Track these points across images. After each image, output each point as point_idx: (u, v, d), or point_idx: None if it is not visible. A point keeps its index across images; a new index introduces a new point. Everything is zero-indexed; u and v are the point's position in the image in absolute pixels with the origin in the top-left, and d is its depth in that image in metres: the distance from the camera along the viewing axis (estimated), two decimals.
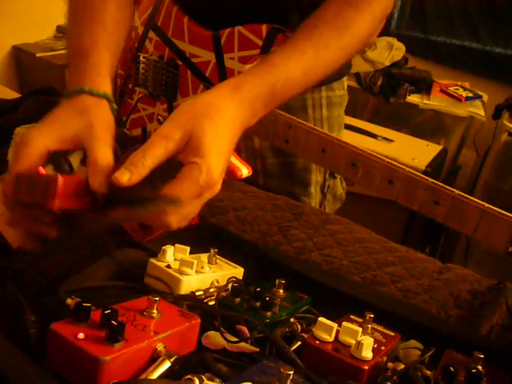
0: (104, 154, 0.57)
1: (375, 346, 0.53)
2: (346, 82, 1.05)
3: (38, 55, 2.41)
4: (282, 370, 0.44)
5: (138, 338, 0.47)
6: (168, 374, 0.48)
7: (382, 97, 2.57)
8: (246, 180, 0.93)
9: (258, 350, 0.54)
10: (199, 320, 0.54)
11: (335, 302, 0.64)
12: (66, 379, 0.46)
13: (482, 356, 0.52)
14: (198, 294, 0.61)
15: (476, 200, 0.62)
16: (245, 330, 0.56)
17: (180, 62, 0.94)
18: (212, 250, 0.68)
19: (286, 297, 0.62)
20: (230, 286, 0.62)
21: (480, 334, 0.65)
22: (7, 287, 0.59)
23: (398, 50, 2.63)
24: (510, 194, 2.29)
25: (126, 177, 0.52)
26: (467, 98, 2.49)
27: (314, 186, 1.04)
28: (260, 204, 0.89)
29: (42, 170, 0.57)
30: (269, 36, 0.81)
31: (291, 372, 0.44)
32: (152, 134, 0.56)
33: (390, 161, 0.67)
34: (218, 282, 0.65)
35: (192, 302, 0.58)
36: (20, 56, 2.51)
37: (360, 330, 0.53)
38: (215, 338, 0.55)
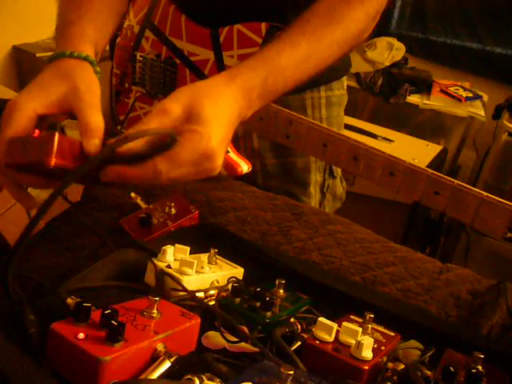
0: (94, 116, 0.58)
1: (375, 346, 0.53)
2: (345, 81, 1.05)
3: (37, 55, 2.41)
4: (282, 370, 0.44)
5: (138, 338, 0.47)
6: (168, 374, 0.48)
7: (382, 97, 2.57)
8: (246, 180, 0.94)
9: (258, 350, 0.54)
10: (199, 320, 0.54)
11: (335, 302, 0.64)
12: (66, 379, 0.46)
13: (482, 356, 0.52)
14: (198, 294, 0.61)
15: (475, 189, 0.64)
16: (245, 329, 0.56)
17: (178, 61, 0.94)
18: (212, 250, 0.68)
19: (286, 297, 0.62)
20: (230, 286, 0.61)
21: (480, 334, 0.65)
22: (8, 287, 0.59)
23: (398, 50, 2.63)
24: (510, 195, 2.29)
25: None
26: (467, 98, 2.49)
27: (314, 186, 1.04)
28: (260, 204, 0.89)
29: (37, 132, 0.57)
30: (268, 34, 0.81)
31: (291, 372, 0.44)
32: (152, 108, 0.56)
33: (390, 153, 0.68)
34: (218, 282, 0.65)
35: (192, 302, 0.58)
36: (20, 56, 2.51)
37: (360, 330, 0.53)
38: (215, 338, 0.55)
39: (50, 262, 0.70)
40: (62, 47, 0.64)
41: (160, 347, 0.49)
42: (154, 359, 0.49)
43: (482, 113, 2.44)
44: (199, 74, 0.91)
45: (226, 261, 0.69)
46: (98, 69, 0.66)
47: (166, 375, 0.48)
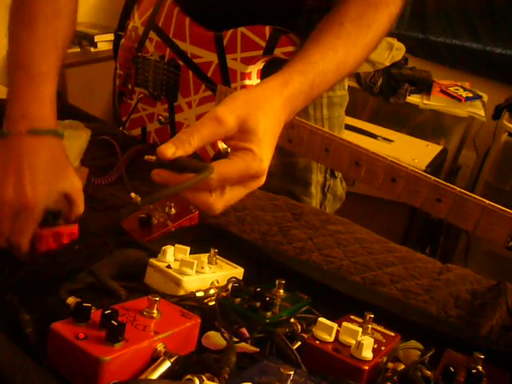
0: (82, 202, 0.67)
1: (375, 346, 0.53)
2: (346, 82, 1.05)
3: None
4: (281, 370, 0.44)
5: (138, 338, 0.47)
6: (168, 374, 0.48)
7: (382, 97, 2.56)
8: None
9: (258, 350, 0.54)
10: (199, 320, 0.54)
11: (335, 302, 0.64)
12: (66, 379, 0.46)
13: (482, 356, 0.52)
14: (198, 294, 0.61)
15: (477, 197, 0.63)
16: (244, 330, 0.56)
17: (181, 63, 0.94)
18: (212, 250, 0.68)
19: (286, 297, 0.62)
20: (230, 286, 0.61)
21: (480, 334, 0.65)
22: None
23: (398, 50, 2.63)
24: (510, 195, 2.29)
25: (170, 151, 0.52)
26: (467, 98, 2.49)
27: (315, 186, 1.04)
28: (260, 204, 0.89)
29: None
30: (272, 37, 0.81)
31: (291, 372, 0.44)
32: (204, 115, 0.56)
33: (392, 159, 0.68)
34: (218, 282, 0.65)
35: (192, 302, 0.58)
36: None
37: (360, 330, 0.53)
38: (215, 338, 0.55)
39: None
40: (36, 111, 0.65)
41: (160, 347, 0.49)
42: (154, 359, 0.49)
43: (482, 113, 2.44)
44: (202, 76, 0.91)
45: (226, 261, 0.69)
46: (60, 131, 0.68)
47: (165, 375, 0.48)
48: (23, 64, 0.67)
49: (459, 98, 2.49)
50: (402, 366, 0.53)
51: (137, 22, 1.00)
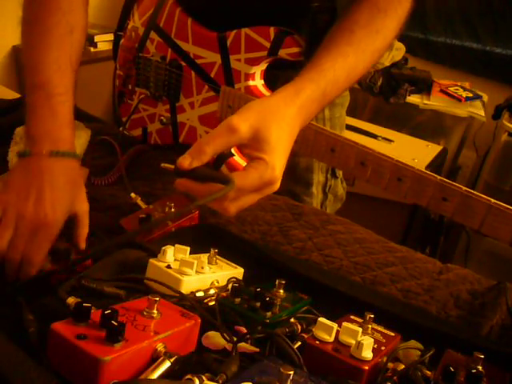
0: (87, 224, 0.68)
1: (375, 346, 0.53)
2: None
3: None
4: (281, 370, 0.44)
5: (138, 338, 0.47)
6: (168, 373, 0.48)
7: (382, 97, 2.56)
8: None
9: (258, 350, 0.54)
10: (199, 320, 0.54)
11: (335, 302, 0.64)
12: (66, 379, 0.46)
13: (482, 356, 0.52)
14: (198, 294, 0.61)
15: (483, 196, 0.63)
16: (243, 330, 0.56)
17: (183, 63, 0.94)
18: (212, 250, 0.68)
19: (286, 297, 0.62)
20: (230, 286, 0.61)
21: (480, 334, 0.65)
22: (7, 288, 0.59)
23: (398, 50, 2.62)
24: (510, 195, 2.29)
25: (187, 161, 0.57)
26: (467, 98, 2.49)
27: (316, 186, 1.04)
28: (260, 204, 0.89)
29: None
30: (277, 38, 0.81)
31: (291, 372, 0.44)
32: (219, 124, 0.59)
33: (398, 159, 0.68)
34: (218, 282, 0.65)
35: (192, 303, 0.58)
36: (20, 56, 2.51)
37: (360, 330, 0.53)
38: (215, 338, 0.55)
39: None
40: (54, 132, 0.67)
41: (160, 347, 0.49)
42: (154, 359, 0.49)
43: (482, 113, 2.44)
44: (205, 76, 0.91)
45: (225, 261, 0.69)
46: (78, 153, 0.71)
47: (165, 375, 0.48)
48: (40, 83, 0.69)
49: (459, 98, 2.49)
50: (402, 366, 0.53)
51: (137, 22, 1.00)
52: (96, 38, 2.51)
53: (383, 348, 0.54)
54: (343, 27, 0.72)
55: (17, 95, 1.28)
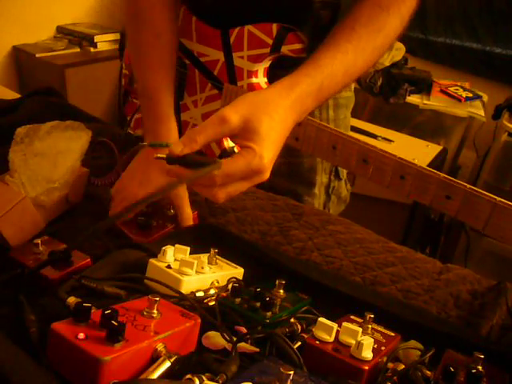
0: (188, 209, 0.79)
1: (375, 346, 0.53)
2: (352, 84, 1.05)
3: (37, 56, 2.40)
4: (281, 370, 0.44)
5: (138, 338, 0.47)
6: (168, 374, 0.48)
7: (382, 97, 2.56)
8: None
9: (258, 350, 0.54)
10: (199, 320, 0.54)
11: (335, 302, 0.64)
12: (66, 379, 0.46)
13: (482, 356, 0.52)
14: (198, 294, 0.61)
15: (488, 194, 0.62)
16: (243, 330, 0.56)
17: (187, 61, 0.94)
18: (212, 251, 0.68)
19: (286, 297, 0.62)
20: (230, 286, 0.62)
21: (480, 334, 0.65)
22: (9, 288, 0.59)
23: (398, 50, 2.63)
24: (510, 195, 2.29)
25: (179, 148, 0.58)
26: (467, 99, 2.49)
27: (319, 187, 1.04)
28: (260, 204, 0.89)
29: None
30: (279, 35, 0.82)
31: (291, 372, 0.44)
32: (213, 114, 0.60)
33: (401, 156, 0.68)
34: (218, 282, 0.65)
35: (192, 303, 0.58)
36: (20, 56, 2.51)
37: (360, 330, 0.53)
38: (215, 338, 0.55)
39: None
40: (152, 128, 0.82)
41: (160, 347, 0.49)
42: (154, 359, 0.49)
43: (482, 113, 2.44)
44: (209, 74, 0.91)
45: (225, 261, 0.69)
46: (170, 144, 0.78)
47: (165, 375, 0.48)
48: (140, 89, 0.85)
49: (459, 98, 2.49)
50: (402, 366, 0.53)
51: None
52: (96, 39, 2.51)
53: (383, 348, 0.54)
54: (345, 25, 0.72)
55: (17, 95, 1.29)
